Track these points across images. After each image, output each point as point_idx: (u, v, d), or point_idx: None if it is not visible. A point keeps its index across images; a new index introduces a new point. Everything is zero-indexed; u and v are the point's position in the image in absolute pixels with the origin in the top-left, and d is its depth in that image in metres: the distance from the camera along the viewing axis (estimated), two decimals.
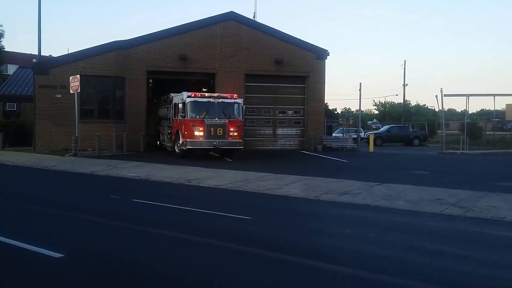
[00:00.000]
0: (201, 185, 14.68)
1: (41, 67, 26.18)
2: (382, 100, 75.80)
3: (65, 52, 29.82)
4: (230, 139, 22.29)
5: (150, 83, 29.22)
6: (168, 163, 20.05)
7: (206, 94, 23.00)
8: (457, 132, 38.51)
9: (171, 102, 24.43)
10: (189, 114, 21.92)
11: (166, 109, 25.84)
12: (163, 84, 30.12)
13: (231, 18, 29.01)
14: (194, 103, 22.03)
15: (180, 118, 22.27)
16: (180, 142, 22.38)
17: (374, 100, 75.93)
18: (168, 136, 24.94)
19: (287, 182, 14.95)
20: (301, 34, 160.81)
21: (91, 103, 27.20)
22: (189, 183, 14.95)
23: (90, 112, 26.98)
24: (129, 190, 14.04)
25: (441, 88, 32.15)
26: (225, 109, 22.36)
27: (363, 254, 7.28)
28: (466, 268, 6.76)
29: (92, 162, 20.54)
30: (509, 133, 38.24)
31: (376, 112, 72.48)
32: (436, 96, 32.90)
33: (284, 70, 29.65)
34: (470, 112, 44.05)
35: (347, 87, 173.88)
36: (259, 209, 11.48)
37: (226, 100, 22.58)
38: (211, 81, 28.92)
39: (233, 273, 6.27)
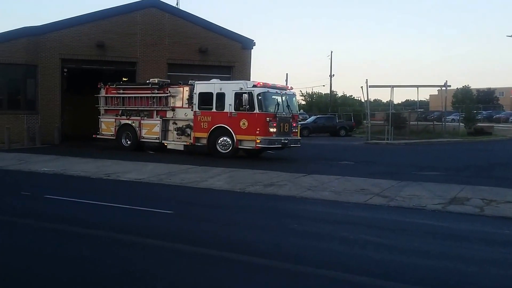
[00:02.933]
0: (120, 179, 14.16)
1: None
2: (309, 91, 76.67)
3: None
4: (293, 136, 20.21)
5: (65, 72, 27.64)
6: (85, 157, 19.16)
7: (270, 84, 19.92)
8: (382, 122, 39.28)
9: (192, 91, 20.71)
10: (263, 107, 18.93)
11: (162, 99, 21.86)
12: (79, 74, 28.71)
13: (153, 5, 28.07)
14: (266, 94, 19.16)
15: (240, 111, 19.07)
16: (229, 140, 19.39)
17: (301, 91, 76.86)
18: (178, 132, 21.19)
19: (212, 175, 14.65)
20: (227, 23, 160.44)
21: (0, 93, 25.61)
22: (108, 177, 14.38)
23: None
24: (42, 186, 13.31)
25: (367, 79, 32.69)
26: (289, 102, 20.25)
27: (285, 246, 7.28)
28: (387, 256, 6.80)
29: (1, 156, 19.34)
30: (431, 123, 39.38)
31: (304, 102, 73.14)
32: (362, 87, 33.31)
33: (209, 59, 29.07)
34: (395, 102, 45.18)
35: (274, 78, 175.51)
36: (181, 203, 11.20)
37: (288, 92, 20.53)
38: (134, 70, 27.87)
39: (150, 271, 5.97)
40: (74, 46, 26.24)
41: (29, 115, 25.49)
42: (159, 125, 21.58)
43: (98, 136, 23.73)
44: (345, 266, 6.22)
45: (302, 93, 74.57)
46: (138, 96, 22.44)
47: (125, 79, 26.68)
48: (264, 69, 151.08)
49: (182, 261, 6.45)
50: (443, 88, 37.27)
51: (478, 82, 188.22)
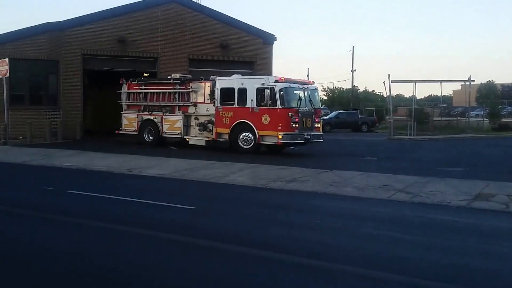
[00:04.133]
0: (143, 174, 14.19)
1: None
2: (331, 86, 76.13)
3: None
4: (315, 132, 20.01)
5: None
6: (107, 152, 19.21)
7: (292, 79, 19.74)
8: (405, 118, 38.96)
9: (213, 86, 20.61)
10: (285, 102, 18.75)
11: (184, 95, 21.77)
12: (98, 73, 28.65)
13: (173, 0, 28.01)
14: (288, 89, 19.02)
15: (262, 107, 18.93)
16: (251, 135, 19.26)
17: (322, 86, 75.97)
18: (200, 127, 21.08)
19: (233, 170, 14.58)
20: (247, 18, 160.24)
21: (22, 89, 25.78)
22: (130, 172, 14.42)
23: (21, 98, 25.58)
24: (64, 181, 13.42)
25: (389, 74, 32.62)
26: (311, 97, 20.01)
27: (308, 242, 7.24)
28: (410, 252, 6.75)
29: (23, 151, 19.51)
30: (455, 118, 38.89)
31: (325, 98, 72.69)
32: (384, 82, 33.03)
33: (230, 55, 28.94)
34: (418, 98, 44.77)
35: (295, 73, 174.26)
36: (204, 199, 11.10)
37: (310, 87, 20.31)
38: (154, 66, 27.90)
39: (175, 266, 6.05)
40: (95, 42, 26.31)
41: (51, 111, 25.62)
42: (181, 120, 21.56)
43: (120, 132, 23.79)
44: (367, 262, 6.20)
45: (323, 88, 74.07)
46: (160, 92, 22.41)
47: (146, 74, 26.77)
48: (286, 64, 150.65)
49: (204, 257, 6.42)
50: (467, 83, 36.85)
51: (503, 77, 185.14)
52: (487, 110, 43.52)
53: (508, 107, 60.58)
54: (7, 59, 22.27)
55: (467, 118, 37.36)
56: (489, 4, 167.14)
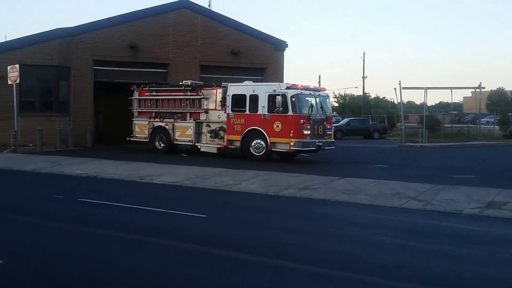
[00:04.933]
0: (154, 182, 14.19)
1: None
2: (342, 93, 75.91)
3: (2, 40, 28.28)
4: (327, 139, 19.94)
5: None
6: (118, 159, 19.17)
7: (303, 85, 19.55)
8: (416, 124, 38.87)
9: (225, 93, 20.51)
10: (297, 109, 18.71)
11: (195, 102, 21.71)
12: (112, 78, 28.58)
13: (185, 6, 28.10)
14: (299, 96, 18.97)
15: (274, 114, 18.86)
16: (262, 143, 19.18)
17: (334, 93, 75.73)
18: (211, 134, 20.96)
19: (245, 178, 14.55)
20: (258, 25, 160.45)
21: (32, 95, 25.82)
22: (141, 180, 14.42)
23: (31, 104, 25.56)
24: (75, 189, 13.41)
25: (400, 81, 32.29)
26: (323, 104, 19.97)
27: (321, 250, 7.27)
28: (424, 261, 6.75)
29: (33, 159, 19.53)
30: (466, 125, 38.75)
31: (336, 104, 72.49)
32: (395, 88, 32.87)
33: (241, 61, 28.98)
34: (429, 104, 44.53)
35: (307, 80, 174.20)
36: (215, 207, 11.13)
37: (321, 94, 20.24)
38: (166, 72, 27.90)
39: (185, 275, 6.07)
40: (106, 48, 26.36)
41: (62, 117, 25.56)
42: (192, 127, 21.48)
43: (132, 139, 23.79)
44: (381, 270, 6.23)
45: (335, 95, 73.86)
46: (171, 98, 22.40)
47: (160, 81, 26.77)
48: (297, 70, 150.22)
49: (214, 265, 6.44)
50: (477, 90, 36.81)
51: None
52: (498, 117, 43.37)
53: None
54: (17, 65, 22.23)
55: (478, 125, 37.22)
56: (499, 12, 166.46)
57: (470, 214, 9.91)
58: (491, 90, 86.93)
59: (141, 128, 23.29)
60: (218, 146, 20.85)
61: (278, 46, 29.84)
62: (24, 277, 5.94)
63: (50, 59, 25.30)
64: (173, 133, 22.04)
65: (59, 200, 11.45)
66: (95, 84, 26.77)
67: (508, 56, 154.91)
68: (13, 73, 22.08)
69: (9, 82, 22.24)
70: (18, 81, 22.02)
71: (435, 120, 37.99)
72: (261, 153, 19.26)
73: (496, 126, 40.42)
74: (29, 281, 5.82)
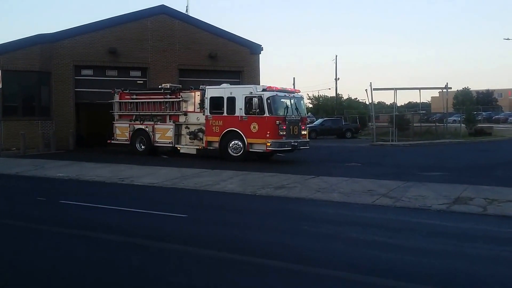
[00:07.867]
0: (135, 183, 14.26)
1: None
2: (316, 94, 76.74)
3: None
4: (302, 139, 20.50)
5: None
6: (99, 162, 19.34)
7: (278, 87, 20.16)
8: (387, 124, 39.56)
9: (203, 95, 20.98)
10: (272, 110, 19.20)
11: (174, 104, 22.19)
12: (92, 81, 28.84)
13: (163, 11, 28.50)
14: (275, 98, 19.46)
15: (250, 115, 19.37)
16: (240, 143, 19.66)
17: (308, 94, 76.41)
18: (191, 136, 21.46)
19: (224, 178, 14.76)
20: (234, 29, 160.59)
21: (15, 100, 25.97)
22: (123, 182, 14.51)
23: (14, 109, 25.68)
24: (57, 191, 13.48)
25: (371, 82, 33.47)
26: (297, 105, 20.53)
27: (298, 248, 7.38)
28: (394, 256, 6.96)
29: (16, 162, 19.56)
30: (434, 124, 39.70)
31: (311, 105, 73.21)
32: (366, 90, 33.74)
33: (219, 64, 29.44)
34: (398, 104, 45.43)
35: (282, 82, 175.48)
36: (195, 206, 11.28)
37: (296, 95, 20.80)
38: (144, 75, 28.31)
39: (168, 275, 6.10)
40: (86, 53, 26.59)
41: (44, 121, 25.78)
42: (172, 129, 21.86)
43: (112, 142, 24.02)
44: (354, 266, 6.34)
45: (309, 96, 74.58)
46: (151, 101, 22.74)
47: (140, 82, 27.22)
48: (272, 73, 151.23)
49: (196, 264, 6.52)
50: (444, 90, 37.48)
51: (478, 84, 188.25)
52: (464, 116, 44.33)
53: (483, 113, 62.21)
54: None
55: (445, 124, 37.93)
56: (464, 15, 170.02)
57: (438, 210, 10.11)
58: (457, 90, 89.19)
59: (122, 131, 23.54)
60: (197, 147, 21.27)
61: (254, 50, 30.35)
62: None
63: (31, 65, 25.47)
64: (154, 135, 22.36)
65: (41, 202, 11.56)
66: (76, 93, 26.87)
67: (473, 57, 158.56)
68: None
69: None
70: (0, 86, 21.97)
71: (404, 120, 38.48)
72: (239, 154, 19.74)
73: (462, 125, 41.08)
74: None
